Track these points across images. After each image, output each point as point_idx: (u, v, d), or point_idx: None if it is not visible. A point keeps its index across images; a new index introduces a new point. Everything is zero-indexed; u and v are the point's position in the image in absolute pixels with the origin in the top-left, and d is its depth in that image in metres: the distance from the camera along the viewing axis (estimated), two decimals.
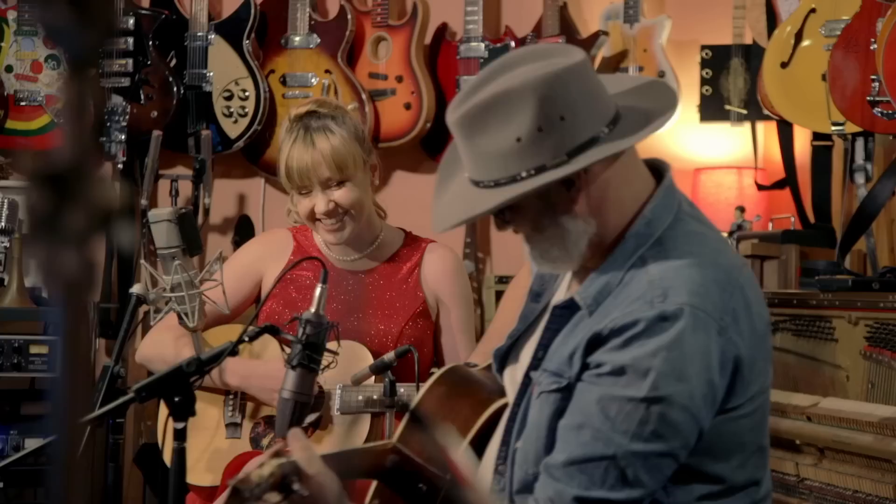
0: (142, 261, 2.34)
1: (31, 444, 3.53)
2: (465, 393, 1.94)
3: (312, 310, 1.88)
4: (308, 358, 1.86)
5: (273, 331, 1.94)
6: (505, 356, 1.89)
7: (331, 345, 1.99)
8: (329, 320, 1.91)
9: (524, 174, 1.63)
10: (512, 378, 1.85)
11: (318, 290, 1.90)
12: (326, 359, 1.90)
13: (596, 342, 1.66)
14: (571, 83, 1.65)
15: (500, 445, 1.79)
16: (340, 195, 2.54)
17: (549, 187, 1.65)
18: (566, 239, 1.69)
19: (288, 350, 1.96)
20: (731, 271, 1.69)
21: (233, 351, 1.88)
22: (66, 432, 0.52)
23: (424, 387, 1.94)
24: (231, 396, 2.63)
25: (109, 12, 0.49)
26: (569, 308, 1.73)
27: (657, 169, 1.77)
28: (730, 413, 1.67)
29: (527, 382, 1.78)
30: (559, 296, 1.83)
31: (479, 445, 1.85)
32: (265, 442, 2.55)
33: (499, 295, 4.38)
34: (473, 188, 1.70)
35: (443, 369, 2.00)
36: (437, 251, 2.67)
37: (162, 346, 2.59)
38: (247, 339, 1.91)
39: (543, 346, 1.76)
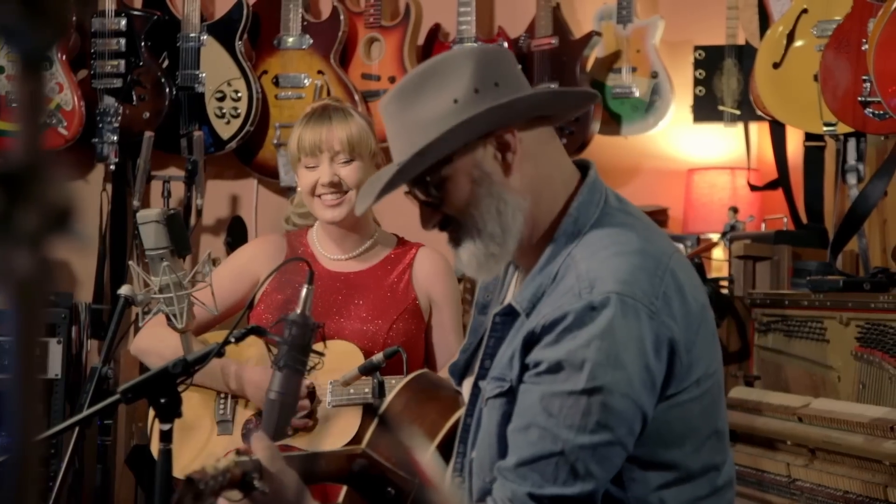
0: (130, 262, 2.33)
1: None
2: (433, 397, 1.95)
3: (298, 311, 1.87)
4: (294, 359, 1.86)
5: (259, 332, 1.94)
6: (463, 370, 1.90)
7: (317, 346, 1.99)
8: (315, 321, 1.91)
9: (444, 130, 1.65)
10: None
11: (303, 292, 1.90)
12: (312, 360, 1.90)
13: (531, 341, 1.67)
14: (504, 59, 1.74)
15: (455, 457, 1.81)
16: (346, 171, 2.60)
17: (483, 155, 1.69)
18: (504, 212, 1.70)
19: (275, 351, 1.96)
20: (660, 257, 1.69)
21: (219, 352, 1.88)
22: (19, 436, 0.52)
23: (393, 391, 1.95)
24: (222, 396, 2.64)
25: (62, 10, 0.49)
26: (509, 315, 1.75)
27: (584, 167, 1.80)
28: (675, 398, 1.67)
29: (476, 393, 1.79)
30: (499, 305, 1.84)
31: (447, 449, 1.86)
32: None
33: None
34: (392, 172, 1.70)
35: (411, 374, 2.00)
36: (427, 253, 2.71)
37: (158, 339, 2.60)
38: (233, 340, 1.91)
39: (489, 356, 1.77)
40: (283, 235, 2.77)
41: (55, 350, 3.53)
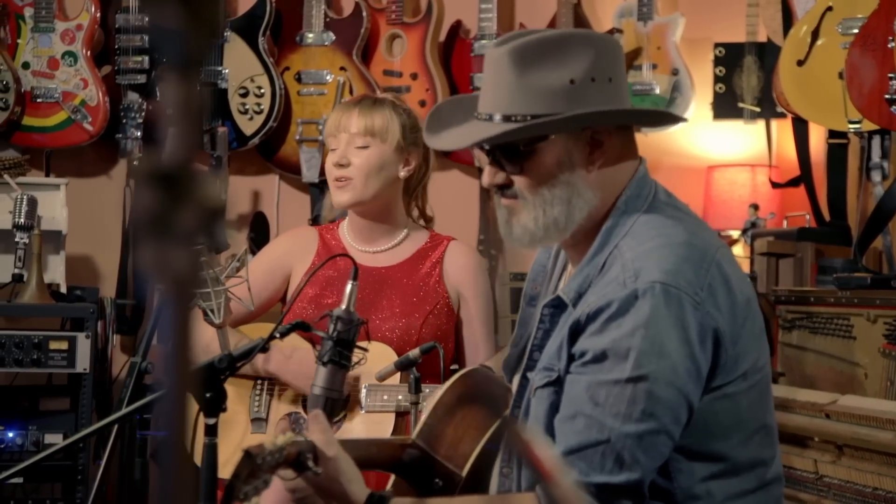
0: None
1: (50, 439, 3.54)
2: (486, 393, 1.96)
3: (343, 306, 1.89)
4: (339, 354, 1.87)
5: (304, 327, 1.95)
6: (515, 364, 1.92)
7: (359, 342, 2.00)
8: (359, 317, 1.92)
9: (567, 114, 1.69)
10: None
11: (348, 287, 1.91)
12: (356, 355, 1.91)
13: (576, 330, 1.69)
14: (620, 55, 1.77)
15: (503, 448, 1.82)
16: (358, 156, 2.61)
17: (577, 141, 1.72)
18: (574, 203, 1.74)
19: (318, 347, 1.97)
20: (706, 249, 1.71)
21: (264, 348, 1.89)
22: (175, 426, 0.53)
23: (446, 384, 1.96)
24: (257, 392, 2.65)
25: (216, 13, 0.50)
26: (557, 306, 1.77)
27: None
28: (721, 389, 1.69)
29: (524, 384, 1.81)
30: (548, 296, 1.86)
31: (495, 445, 1.87)
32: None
33: (512, 292, 4.39)
34: (493, 123, 1.72)
35: (463, 370, 2.01)
36: (458, 248, 2.72)
37: (199, 330, 2.60)
38: (278, 335, 1.92)
39: (538, 347, 1.79)
40: (315, 228, 2.79)
41: (83, 344, 3.54)
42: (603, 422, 1.63)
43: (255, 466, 1.50)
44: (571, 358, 1.69)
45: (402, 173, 2.65)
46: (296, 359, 2.57)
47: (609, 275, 1.69)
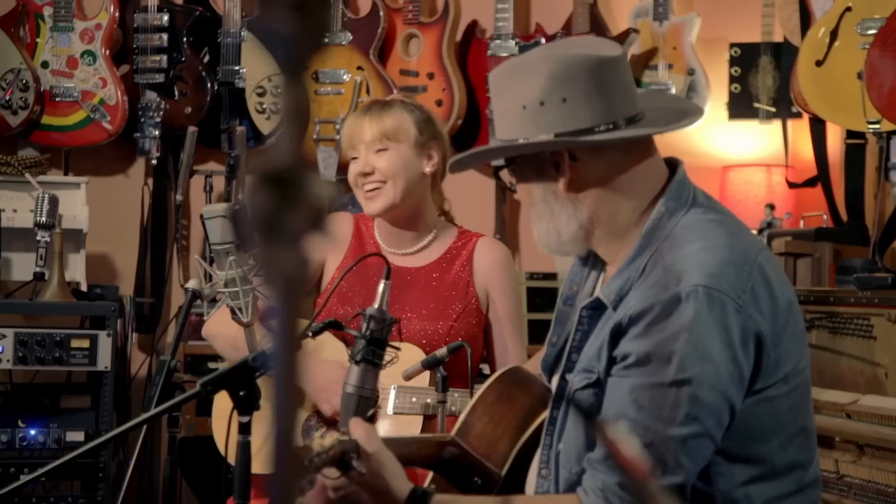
0: (196, 256, 2.36)
1: (72, 437, 3.55)
2: (525, 392, 1.96)
3: (376, 305, 1.89)
4: (372, 353, 1.88)
5: (336, 326, 1.96)
6: (553, 364, 1.92)
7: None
8: (392, 317, 1.93)
9: (521, 140, 1.76)
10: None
11: (381, 287, 1.92)
12: (389, 354, 1.92)
13: (618, 333, 1.70)
14: (586, 73, 1.74)
15: (541, 449, 1.83)
16: (380, 160, 2.62)
17: (543, 162, 1.77)
18: (553, 218, 1.79)
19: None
20: (748, 252, 1.72)
21: None
22: (284, 423, 0.54)
23: (485, 383, 1.96)
24: None
25: (326, 18, 0.51)
26: (596, 308, 1.78)
27: (672, 165, 1.84)
28: (763, 393, 1.70)
29: (563, 385, 1.82)
30: (586, 298, 1.87)
31: (535, 443, 1.88)
32: (317, 434, 2.57)
33: (529, 291, 4.39)
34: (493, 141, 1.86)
35: (504, 369, 2.02)
36: (487, 244, 2.71)
37: (227, 324, 2.61)
38: (310, 334, 1.93)
39: (577, 349, 1.80)
40: (352, 217, 2.79)
41: (105, 343, 3.55)
42: (646, 425, 1.64)
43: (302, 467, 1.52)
44: (613, 360, 1.70)
45: (428, 168, 2.66)
46: (310, 372, 2.56)
47: (651, 278, 1.70)
